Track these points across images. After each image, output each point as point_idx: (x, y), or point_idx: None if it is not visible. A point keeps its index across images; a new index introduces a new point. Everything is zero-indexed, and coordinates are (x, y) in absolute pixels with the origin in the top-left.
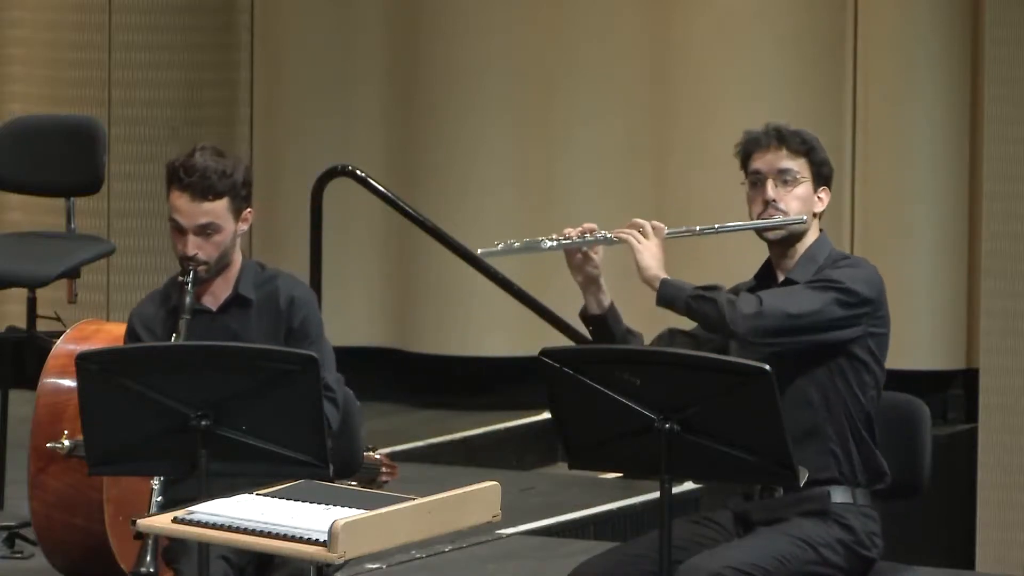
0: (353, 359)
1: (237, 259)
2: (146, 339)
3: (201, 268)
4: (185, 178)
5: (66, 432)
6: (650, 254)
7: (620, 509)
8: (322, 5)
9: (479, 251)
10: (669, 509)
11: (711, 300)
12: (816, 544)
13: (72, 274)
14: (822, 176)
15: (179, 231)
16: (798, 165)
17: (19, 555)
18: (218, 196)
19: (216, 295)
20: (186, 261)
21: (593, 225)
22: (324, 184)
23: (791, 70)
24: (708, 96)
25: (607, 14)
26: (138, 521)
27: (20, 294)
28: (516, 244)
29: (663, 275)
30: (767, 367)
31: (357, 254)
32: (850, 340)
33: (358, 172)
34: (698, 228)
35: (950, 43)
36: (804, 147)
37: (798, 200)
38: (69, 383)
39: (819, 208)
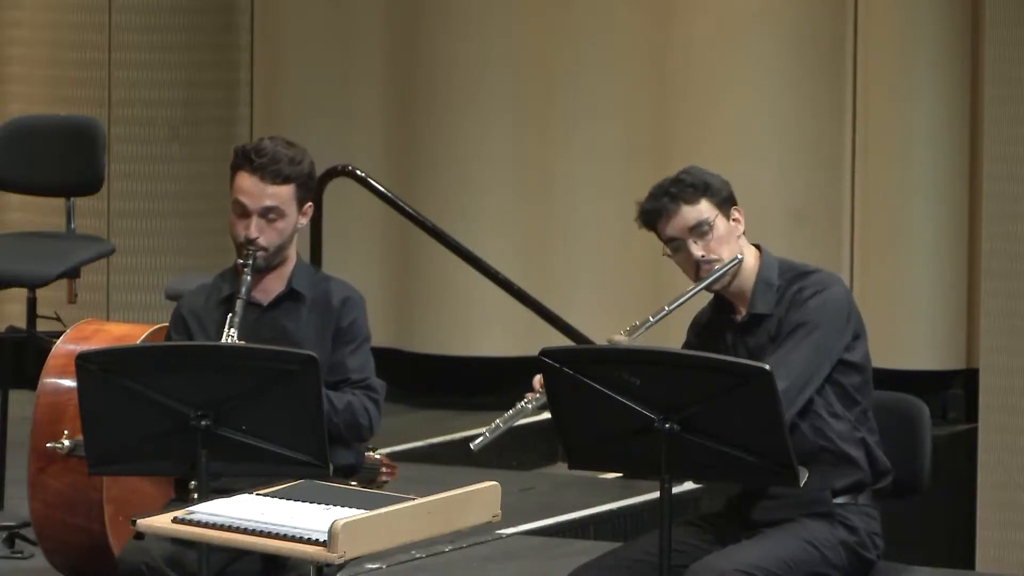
0: None
1: (292, 256)
2: (194, 328)
3: (260, 254)
4: (256, 159)
5: (66, 432)
6: None
7: (620, 509)
8: (322, 5)
9: (472, 444)
10: (669, 509)
11: None
12: (821, 546)
13: (72, 274)
14: (726, 200)
15: (242, 214)
16: (703, 211)
17: (19, 555)
18: (286, 181)
19: (268, 291)
20: (247, 245)
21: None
22: (324, 184)
23: (791, 70)
24: (708, 96)
25: (607, 14)
26: (138, 521)
27: (20, 294)
28: (502, 422)
29: None
30: (767, 367)
31: (357, 254)
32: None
33: (358, 172)
34: (651, 318)
35: (950, 43)
36: (697, 192)
37: (723, 243)
38: (69, 383)
39: (741, 230)
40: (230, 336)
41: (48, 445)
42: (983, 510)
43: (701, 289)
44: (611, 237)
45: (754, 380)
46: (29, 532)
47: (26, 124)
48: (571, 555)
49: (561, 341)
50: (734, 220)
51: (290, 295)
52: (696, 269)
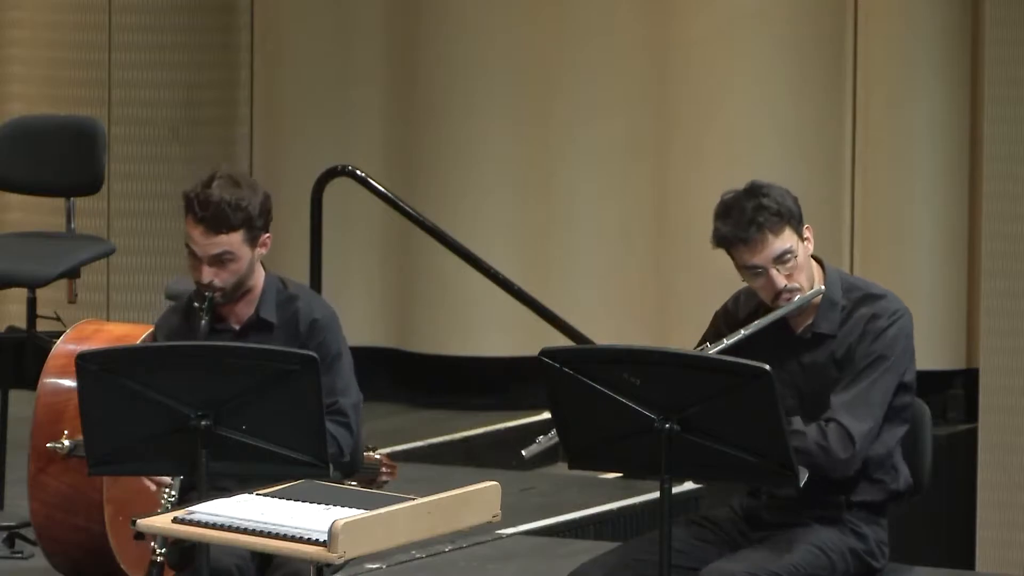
0: (353, 359)
1: (259, 281)
2: None
3: (217, 294)
4: (200, 212)
5: (66, 432)
6: None
7: (620, 509)
8: (322, 5)
9: (524, 452)
10: (669, 509)
11: (804, 452)
12: (829, 552)
13: (72, 274)
14: (800, 221)
15: (195, 258)
16: (787, 240)
17: (19, 555)
18: (232, 229)
19: (239, 315)
20: (202, 288)
21: None
22: (324, 184)
23: (791, 71)
24: (708, 96)
25: (607, 14)
26: (138, 521)
27: (20, 294)
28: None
29: None
30: (767, 367)
31: (357, 254)
32: None
33: (358, 172)
34: (726, 341)
35: (950, 43)
36: (782, 220)
37: (802, 269)
38: (69, 383)
39: (811, 248)
40: None
41: (48, 445)
42: (983, 510)
43: (781, 316)
44: (611, 237)
45: (754, 380)
46: (29, 532)
47: (26, 124)
48: (571, 555)
49: (561, 341)
50: (806, 239)
51: (257, 323)
52: (775, 297)
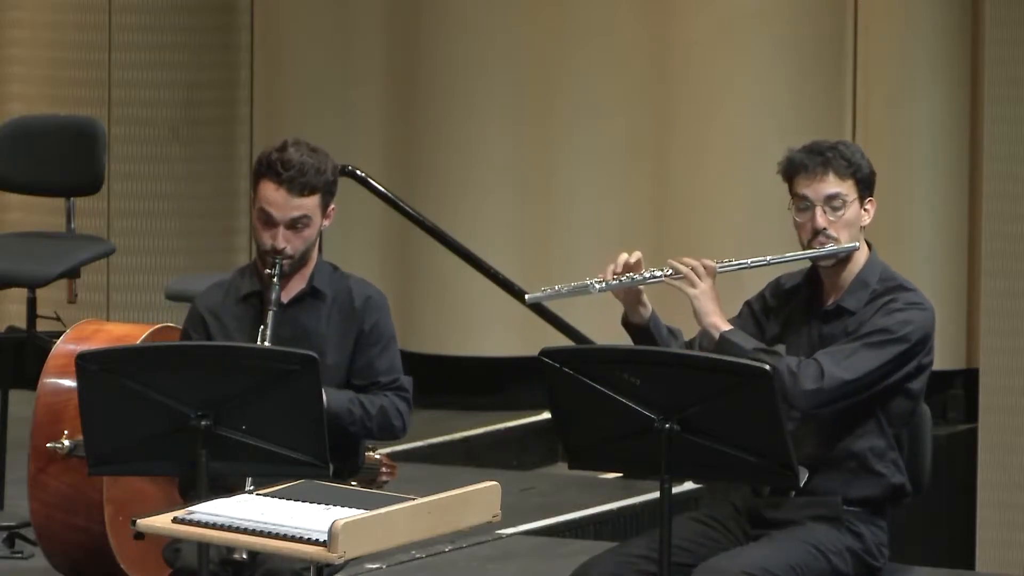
0: None
1: (315, 256)
2: (212, 325)
3: (286, 262)
4: (283, 172)
5: (66, 432)
6: (706, 298)
7: (620, 509)
8: (322, 5)
9: (527, 296)
10: (669, 509)
11: (774, 370)
12: (828, 552)
13: (72, 274)
14: (867, 188)
15: (269, 224)
16: (845, 188)
17: (19, 555)
18: (312, 192)
19: (289, 288)
20: (273, 254)
21: (639, 254)
22: None
23: (791, 70)
24: (708, 96)
25: (607, 14)
26: (138, 521)
27: (20, 294)
28: (564, 289)
29: (722, 325)
30: (767, 367)
31: (357, 254)
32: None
33: (358, 172)
34: (749, 261)
35: (950, 43)
36: (850, 169)
37: (847, 227)
38: (69, 383)
39: (866, 221)
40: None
41: (48, 445)
42: (983, 510)
43: (806, 258)
44: (611, 237)
45: (753, 380)
46: (29, 532)
47: (26, 124)
48: (571, 555)
49: (561, 341)
50: (864, 210)
51: (311, 293)
52: (811, 236)
